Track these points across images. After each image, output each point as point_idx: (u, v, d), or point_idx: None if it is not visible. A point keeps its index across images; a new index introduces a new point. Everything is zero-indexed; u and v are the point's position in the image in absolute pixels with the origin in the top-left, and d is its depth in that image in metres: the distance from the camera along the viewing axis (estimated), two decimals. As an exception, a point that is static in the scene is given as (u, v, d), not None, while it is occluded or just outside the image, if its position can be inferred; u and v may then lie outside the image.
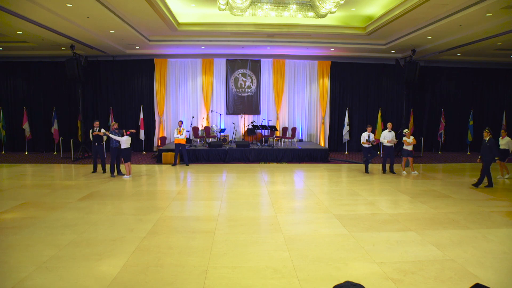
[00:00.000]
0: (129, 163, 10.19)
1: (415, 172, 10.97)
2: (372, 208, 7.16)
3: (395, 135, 11.16)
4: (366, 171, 11.19)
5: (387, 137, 10.93)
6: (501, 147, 9.82)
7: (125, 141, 10.07)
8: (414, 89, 16.13)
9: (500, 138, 9.96)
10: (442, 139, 16.19)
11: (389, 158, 11.04)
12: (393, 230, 5.85)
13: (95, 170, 10.88)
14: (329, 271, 4.33)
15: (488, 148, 9.00)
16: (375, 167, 11.94)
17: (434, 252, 4.91)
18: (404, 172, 11.06)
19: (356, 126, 16.18)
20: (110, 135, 10.06)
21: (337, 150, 16.31)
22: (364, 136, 10.93)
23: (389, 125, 11.13)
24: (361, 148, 11.38)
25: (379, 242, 5.27)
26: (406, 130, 11.16)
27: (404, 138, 10.89)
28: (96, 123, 10.75)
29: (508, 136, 10.32)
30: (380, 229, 5.87)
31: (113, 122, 10.59)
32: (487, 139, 9.10)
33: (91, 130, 10.69)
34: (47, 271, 4.28)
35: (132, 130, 10.94)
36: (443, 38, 12.30)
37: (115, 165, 10.42)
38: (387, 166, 11.17)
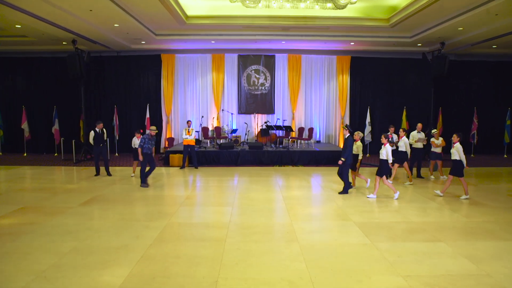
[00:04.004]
0: (136, 162, 10.52)
1: (444, 176, 10.74)
2: (397, 216, 7.06)
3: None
4: (390, 175, 11.02)
5: (416, 138, 10.74)
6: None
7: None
8: (443, 86, 15.84)
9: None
10: (475, 141, 15.86)
11: (417, 162, 10.87)
12: (420, 240, 5.75)
13: (98, 173, 11.02)
14: (350, 285, 4.27)
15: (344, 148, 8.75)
16: (400, 171, 11.76)
17: (467, 266, 4.80)
18: (432, 177, 10.87)
19: (378, 126, 16.00)
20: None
21: (358, 153, 16.14)
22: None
23: (419, 125, 10.93)
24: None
25: (405, 254, 5.18)
26: (435, 130, 10.96)
27: (432, 140, 10.70)
28: (100, 125, 10.81)
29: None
30: (406, 239, 5.78)
31: (153, 126, 9.99)
32: (346, 137, 8.86)
33: (91, 132, 10.75)
34: (46, 281, 4.33)
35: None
36: (476, 29, 12.07)
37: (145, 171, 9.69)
38: (414, 170, 10.99)
